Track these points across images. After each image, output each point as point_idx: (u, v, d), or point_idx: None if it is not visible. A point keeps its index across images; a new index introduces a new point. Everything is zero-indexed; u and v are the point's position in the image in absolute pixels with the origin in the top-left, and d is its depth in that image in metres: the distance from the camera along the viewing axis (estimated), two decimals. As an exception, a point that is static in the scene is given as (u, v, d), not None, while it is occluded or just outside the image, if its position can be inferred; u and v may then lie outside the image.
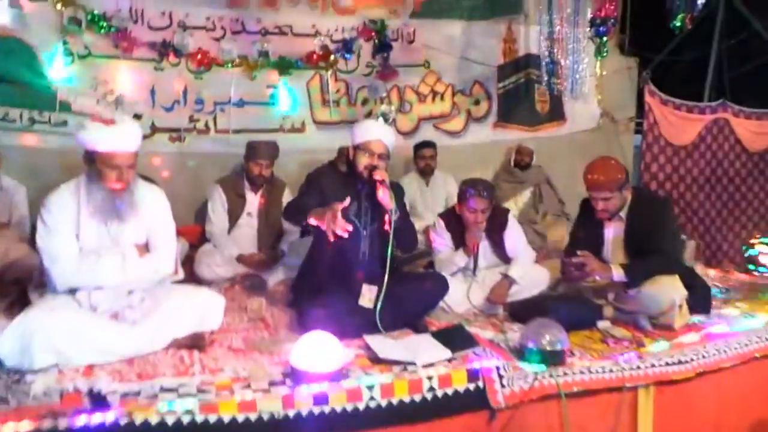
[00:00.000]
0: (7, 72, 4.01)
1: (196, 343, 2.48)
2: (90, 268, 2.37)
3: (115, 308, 2.42)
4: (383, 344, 2.43)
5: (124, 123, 2.40)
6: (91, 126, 2.36)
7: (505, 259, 3.25)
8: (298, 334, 2.62)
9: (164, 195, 2.69)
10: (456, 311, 3.06)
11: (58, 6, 4.08)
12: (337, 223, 2.54)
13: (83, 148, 2.41)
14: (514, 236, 3.24)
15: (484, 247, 3.19)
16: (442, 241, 3.25)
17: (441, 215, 3.35)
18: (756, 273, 3.90)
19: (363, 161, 2.86)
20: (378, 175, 2.76)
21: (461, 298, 3.07)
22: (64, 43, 4.14)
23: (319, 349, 2.13)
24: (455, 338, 2.47)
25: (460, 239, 3.17)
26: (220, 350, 2.48)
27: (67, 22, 4.10)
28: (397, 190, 2.91)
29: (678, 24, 4.15)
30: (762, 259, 3.87)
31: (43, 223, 2.38)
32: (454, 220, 3.21)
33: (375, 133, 2.91)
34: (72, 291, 2.40)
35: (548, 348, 2.27)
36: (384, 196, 2.75)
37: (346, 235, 2.59)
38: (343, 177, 2.99)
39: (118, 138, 2.36)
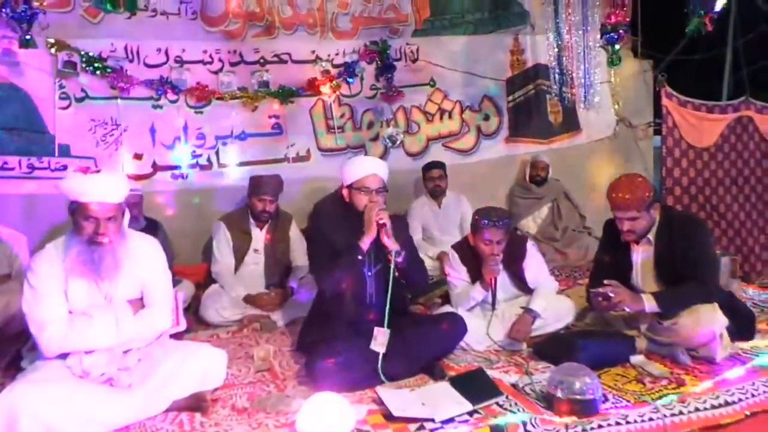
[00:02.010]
0: (4, 119, 3.96)
1: (197, 404, 2.31)
2: (80, 333, 2.23)
3: (109, 372, 2.27)
4: (397, 398, 2.24)
5: (107, 174, 2.26)
6: (72, 175, 2.26)
7: (526, 290, 3.03)
8: (306, 387, 2.49)
9: (158, 246, 2.55)
10: (475, 349, 2.86)
11: (53, 50, 4.02)
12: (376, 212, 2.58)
13: (67, 198, 2.30)
14: (535, 266, 3.02)
15: (503, 278, 2.97)
16: (458, 274, 3.04)
17: (454, 247, 3.13)
18: None
19: (362, 200, 2.70)
20: (379, 218, 2.59)
21: (481, 335, 2.87)
22: (60, 87, 4.08)
23: (326, 414, 1.95)
24: (476, 386, 2.27)
25: (476, 272, 2.96)
26: (222, 412, 2.31)
27: (62, 65, 4.05)
28: (401, 225, 2.73)
29: (693, 28, 3.90)
30: None
31: (29, 287, 2.25)
32: (468, 251, 3.00)
33: (368, 168, 2.75)
34: (63, 355, 2.25)
35: (579, 397, 2.05)
36: (388, 240, 2.60)
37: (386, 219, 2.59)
38: (348, 210, 2.82)
39: (96, 188, 2.23)
